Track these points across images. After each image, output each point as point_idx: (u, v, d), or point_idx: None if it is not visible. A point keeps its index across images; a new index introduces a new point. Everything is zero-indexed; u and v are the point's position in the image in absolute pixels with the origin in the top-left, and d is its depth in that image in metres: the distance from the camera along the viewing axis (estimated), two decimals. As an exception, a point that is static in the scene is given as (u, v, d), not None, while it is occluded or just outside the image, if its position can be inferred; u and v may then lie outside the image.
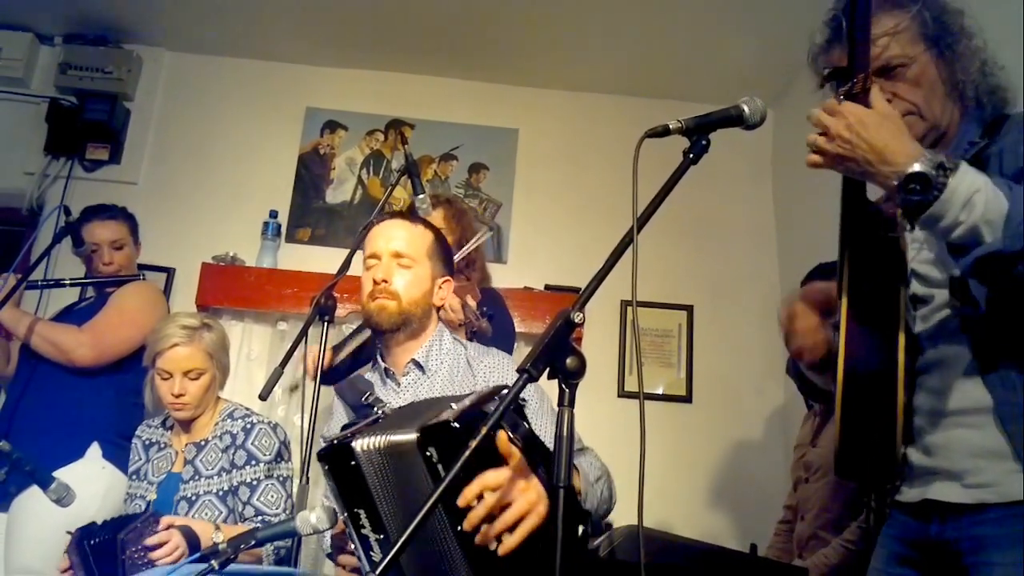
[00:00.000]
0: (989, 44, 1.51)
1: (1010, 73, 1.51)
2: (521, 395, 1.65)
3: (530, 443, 1.54)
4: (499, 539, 1.45)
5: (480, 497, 1.44)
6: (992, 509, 1.33)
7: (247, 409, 2.59)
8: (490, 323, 2.28)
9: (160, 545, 2.14)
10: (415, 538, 1.09)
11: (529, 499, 1.46)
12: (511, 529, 1.45)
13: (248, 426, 2.50)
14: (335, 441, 1.64)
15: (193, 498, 2.43)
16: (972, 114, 1.50)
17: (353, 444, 1.57)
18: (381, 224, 2.09)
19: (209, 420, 2.57)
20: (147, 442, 2.63)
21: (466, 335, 2.26)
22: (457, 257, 2.64)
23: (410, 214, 2.28)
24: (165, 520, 2.22)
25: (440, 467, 1.47)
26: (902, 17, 1.48)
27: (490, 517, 1.45)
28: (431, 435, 1.48)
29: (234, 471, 2.45)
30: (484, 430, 1.16)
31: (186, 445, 2.53)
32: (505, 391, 1.64)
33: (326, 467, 1.62)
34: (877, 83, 1.37)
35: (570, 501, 1.52)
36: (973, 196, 1.23)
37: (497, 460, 1.49)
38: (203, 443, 2.51)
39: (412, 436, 1.49)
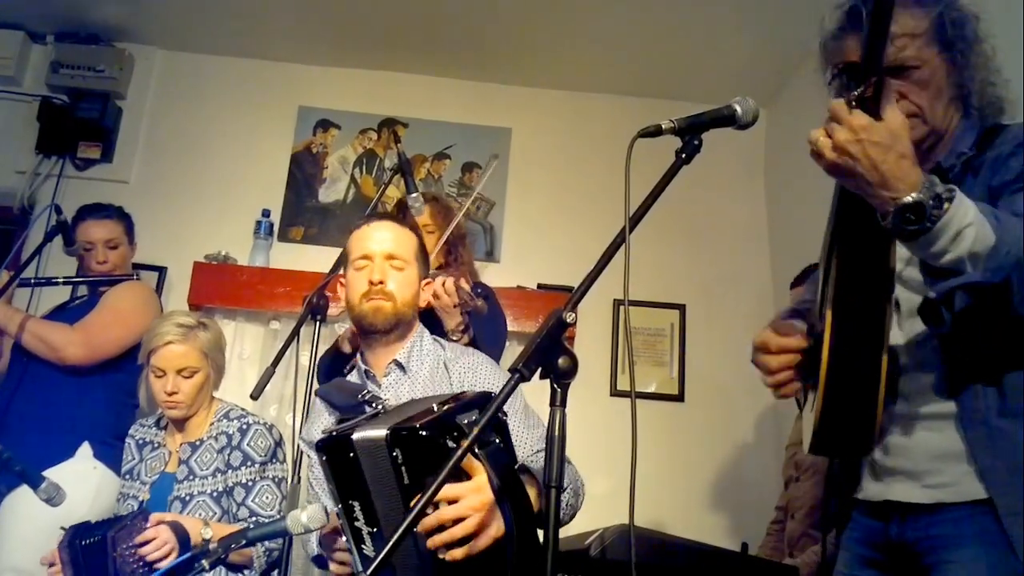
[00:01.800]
0: (996, 52, 1.50)
1: (1009, 85, 1.50)
2: (503, 413, 1.69)
3: (499, 460, 1.58)
4: (449, 547, 1.50)
5: (437, 506, 1.49)
6: (950, 509, 1.36)
7: (243, 409, 2.59)
8: (485, 302, 2.30)
9: (150, 542, 2.15)
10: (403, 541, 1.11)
11: (482, 519, 1.50)
12: (460, 542, 1.50)
13: (244, 427, 2.49)
14: (334, 432, 1.65)
15: (187, 498, 2.42)
16: (971, 122, 1.49)
17: (353, 436, 1.58)
18: (369, 226, 2.10)
19: (204, 420, 2.56)
20: (140, 442, 2.62)
21: (462, 314, 2.27)
22: (442, 241, 2.66)
23: (397, 215, 2.29)
24: (155, 517, 2.22)
25: (404, 470, 1.51)
26: (922, 19, 1.45)
27: (442, 527, 1.50)
28: (398, 439, 1.52)
29: (229, 472, 2.44)
30: (461, 450, 1.18)
31: (181, 445, 2.52)
32: (489, 397, 1.66)
33: (324, 458, 1.62)
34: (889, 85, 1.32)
35: (527, 521, 1.55)
36: (964, 230, 1.22)
37: (460, 472, 1.52)
38: (198, 443, 2.50)
39: (382, 433, 1.53)
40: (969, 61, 1.47)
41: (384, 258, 2.03)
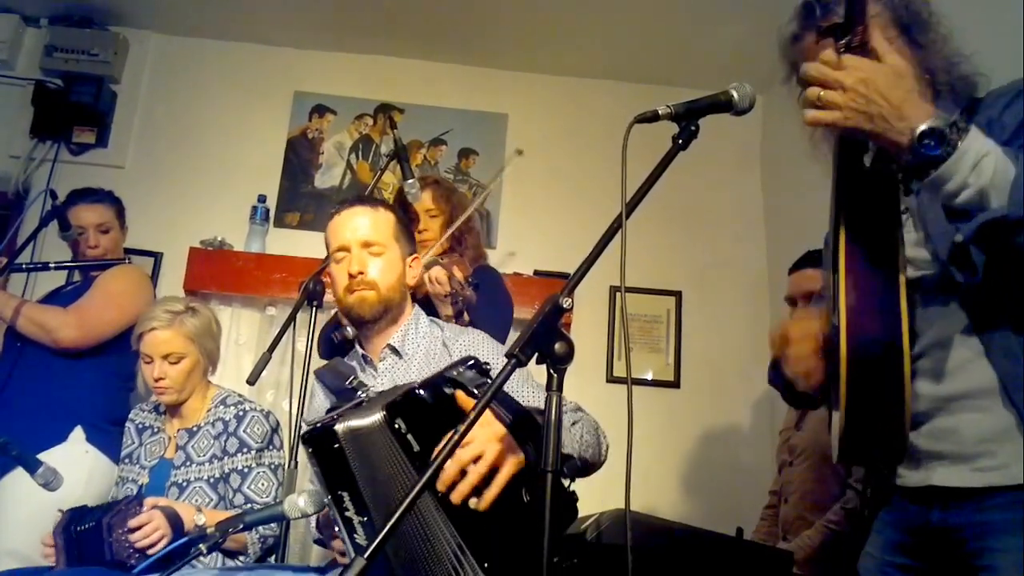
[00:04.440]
0: (954, 32, 1.50)
1: (974, 60, 1.49)
2: (484, 361, 1.70)
3: (494, 397, 1.57)
4: (479, 495, 1.48)
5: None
6: (999, 494, 1.31)
7: (239, 396, 2.59)
8: (475, 292, 2.30)
9: (143, 527, 2.15)
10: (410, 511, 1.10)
11: (500, 450, 1.49)
12: (487, 482, 1.48)
13: (240, 413, 2.49)
14: (318, 424, 1.65)
15: (184, 484, 2.42)
16: (946, 98, 1.46)
17: (336, 427, 1.58)
18: (341, 215, 2.06)
19: (201, 406, 2.56)
20: (140, 426, 2.63)
21: (452, 305, 2.27)
22: (451, 230, 2.65)
23: (367, 198, 2.26)
24: (149, 501, 2.22)
25: (410, 437, 1.51)
26: (874, 5, 1.43)
27: (463, 473, 1.48)
28: (396, 408, 1.52)
29: (225, 458, 2.44)
30: (475, 411, 1.17)
31: (178, 431, 2.53)
32: (472, 360, 1.68)
33: (310, 450, 1.62)
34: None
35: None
36: (983, 159, 1.20)
37: (459, 415, 1.52)
38: (195, 429, 2.51)
39: (378, 415, 1.53)
40: (929, 40, 1.47)
41: (360, 246, 2.00)
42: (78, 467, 2.69)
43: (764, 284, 3.95)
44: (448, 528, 1.50)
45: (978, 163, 1.21)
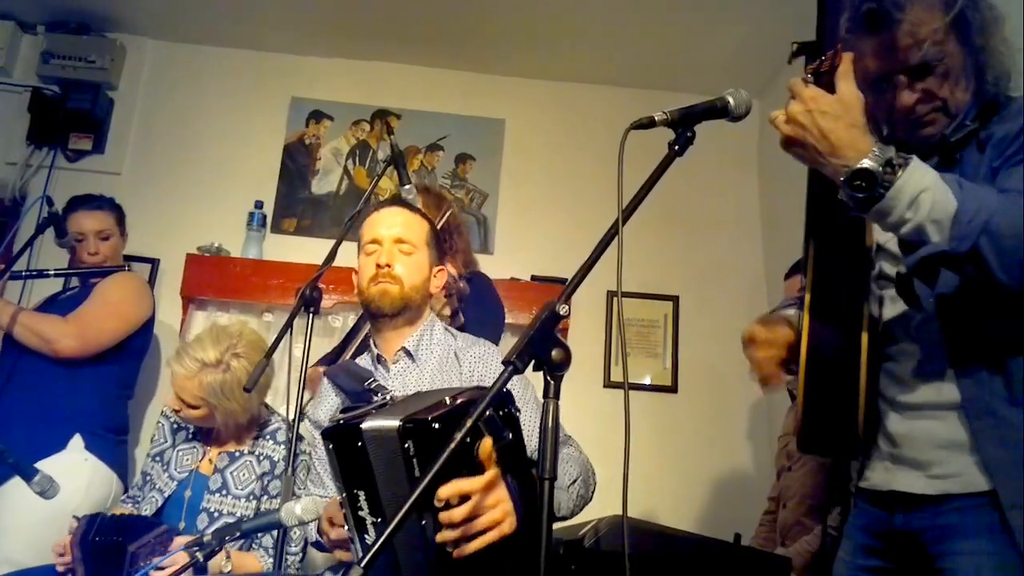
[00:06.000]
0: (1007, 18, 1.46)
1: (1017, 56, 1.47)
2: (516, 404, 1.65)
3: (511, 455, 1.55)
4: (458, 544, 1.48)
5: (448, 504, 1.46)
6: (956, 499, 1.35)
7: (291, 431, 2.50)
8: (468, 285, 2.31)
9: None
10: (401, 528, 1.10)
11: (494, 517, 1.48)
12: (470, 537, 1.47)
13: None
14: (342, 420, 1.63)
15: (216, 515, 2.35)
16: (984, 83, 1.45)
17: (363, 426, 1.56)
18: (380, 211, 2.11)
19: (243, 434, 2.48)
20: (176, 425, 2.57)
21: (447, 298, 2.28)
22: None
23: (408, 202, 2.29)
24: (179, 541, 2.12)
25: (415, 461, 1.48)
26: (943, 18, 1.41)
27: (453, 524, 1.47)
28: (410, 431, 1.49)
29: (264, 498, 2.38)
30: (459, 436, 1.17)
31: (219, 453, 2.45)
32: (506, 410, 1.61)
33: (331, 446, 1.60)
34: (903, 79, 1.34)
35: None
36: (920, 195, 1.22)
37: (475, 463, 1.49)
38: (237, 455, 2.43)
39: (396, 423, 1.50)
40: (986, 46, 1.44)
41: (393, 242, 2.04)
42: (77, 475, 2.68)
43: (762, 288, 3.95)
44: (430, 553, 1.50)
45: (915, 199, 1.23)
